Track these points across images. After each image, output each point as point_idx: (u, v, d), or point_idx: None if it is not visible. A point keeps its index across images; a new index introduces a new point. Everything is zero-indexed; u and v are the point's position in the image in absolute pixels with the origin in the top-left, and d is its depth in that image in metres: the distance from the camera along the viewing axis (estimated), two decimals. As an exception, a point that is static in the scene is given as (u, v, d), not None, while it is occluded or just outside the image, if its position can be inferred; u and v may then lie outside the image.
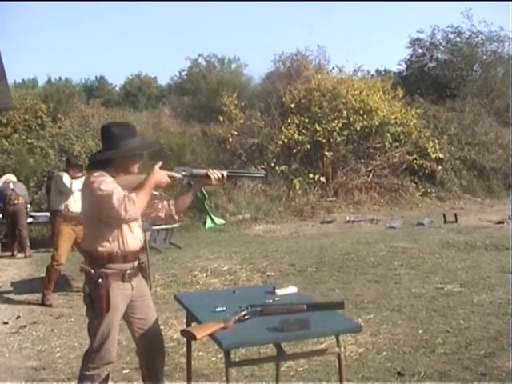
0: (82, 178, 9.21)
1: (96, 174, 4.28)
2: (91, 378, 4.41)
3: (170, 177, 4.42)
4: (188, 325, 4.55)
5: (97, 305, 4.32)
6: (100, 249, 4.33)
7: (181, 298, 4.94)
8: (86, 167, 4.66)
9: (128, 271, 4.44)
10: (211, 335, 3.88)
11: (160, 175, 4.36)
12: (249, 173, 4.71)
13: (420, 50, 29.55)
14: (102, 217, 4.28)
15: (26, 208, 14.49)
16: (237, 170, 4.17)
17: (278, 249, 13.46)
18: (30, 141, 19.95)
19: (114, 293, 4.34)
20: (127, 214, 4.12)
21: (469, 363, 5.91)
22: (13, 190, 14.03)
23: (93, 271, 4.33)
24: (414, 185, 22.04)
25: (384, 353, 6.38)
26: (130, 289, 4.48)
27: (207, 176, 4.52)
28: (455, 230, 15.46)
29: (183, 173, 4.52)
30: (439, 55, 29.18)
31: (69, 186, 9.17)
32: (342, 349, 4.27)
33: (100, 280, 4.30)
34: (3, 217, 14.38)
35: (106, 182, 4.21)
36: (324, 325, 4.05)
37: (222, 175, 4.53)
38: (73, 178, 9.27)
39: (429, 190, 21.97)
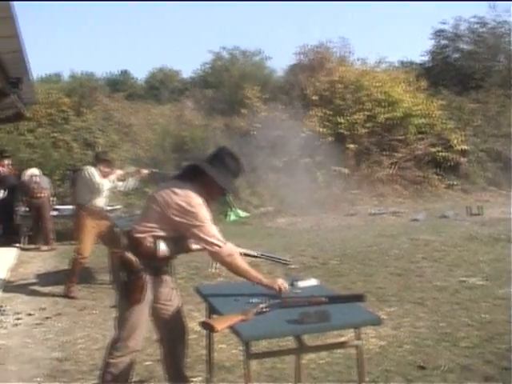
0: (112, 177, 9.38)
1: (196, 198, 4.40)
2: (116, 365, 4.48)
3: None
4: (208, 317, 4.57)
5: (132, 295, 4.41)
6: (151, 244, 4.43)
7: (202, 290, 4.96)
8: (182, 169, 4.76)
9: (164, 268, 4.63)
10: (231, 327, 3.89)
11: (275, 285, 4.47)
12: (277, 258, 4.78)
13: (444, 41, 29.31)
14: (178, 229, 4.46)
15: (51, 201, 14.59)
16: (265, 253, 4.28)
17: (300, 241, 13.46)
18: (54, 135, 20.07)
19: (149, 286, 4.45)
20: (216, 253, 4.38)
21: (491, 357, 5.89)
22: (37, 183, 14.12)
23: (137, 261, 4.40)
24: (438, 177, 21.86)
25: (406, 346, 6.37)
26: (161, 282, 4.62)
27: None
28: (479, 222, 15.37)
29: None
30: (463, 46, 28.89)
31: (100, 185, 9.25)
32: (364, 342, 4.27)
33: (142, 272, 4.39)
34: (28, 210, 14.49)
35: (205, 214, 4.41)
36: (344, 317, 4.04)
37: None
38: (102, 173, 9.34)
39: (453, 183, 21.78)
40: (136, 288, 4.38)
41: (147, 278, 4.42)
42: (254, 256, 4.72)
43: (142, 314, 4.47)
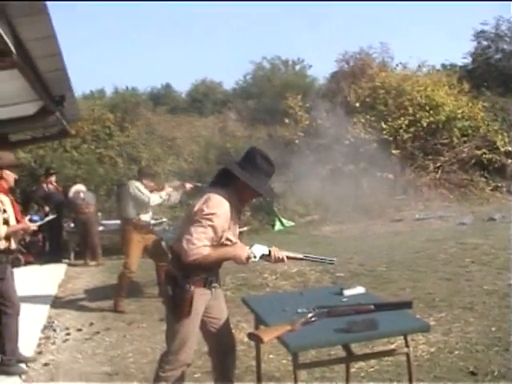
0: (163, 193, 9.45)
1: (221, 205, 4.38)
2: (167, 378, 4.52)
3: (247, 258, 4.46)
4: (256, 328, 4.59)
5: (179, 309, 4.41)
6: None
7: (249, 301, 4.97)
8: (215, 174, 4.75)
9: (210, 278, 4.55)
10: (279, 338, 3.89)
11: (242, 253, 4.44)
12: (320, 258, 4.74)
13: (485, 43, 29.10)
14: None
15: (97, 216, 14.74)
16: (309, 255, 4.23)
17: (347, 249, 13.40)
18: (98, 150, 20.31)
19: (197, 298, 4.43)
20: (186, 253, 4.28)
21: (543, 360, 5.81)
22: (83, 199, 14.26)
23: (181, 275, 4.41)
24: (484, 179, 21.62)
25: (456, 352, 6.31)
26: (210, 294, 4.59)
27: (269, 254, 4.54)
28: (527, 224, 15.17)
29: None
30: (505, 46, 28.64)
31: (148, 199, 9.31)
32: (413, 348, 4.24)
33: (187, 285, 4.38)
34: (75, 226, 14.65)
35: (215, 221, 4.32)
36: (392, 325, 4.03)
37: (283, 258, 4.54)
38: (147, 187, 9.41)
39: (499, 185, 21.51)
40: (183, 302, 4.38)
41: (195, 291, 4.41)
42: (299, 258, 4.69)
43: (191, 328, 4.48)
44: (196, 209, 4.38)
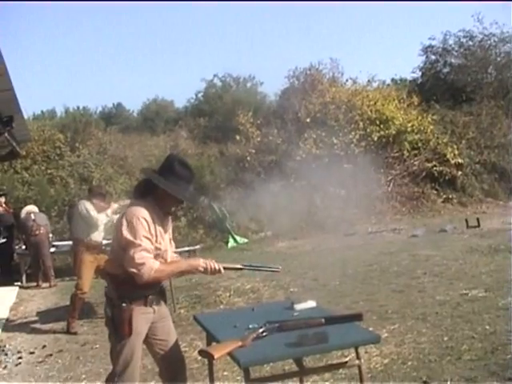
0: (108, 211, 9.38)
1: (137, 213, 4.31)
2: (115, 401, 4.43)
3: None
4: (208, 345, 4.56)
5: (120, 329, 4.33)
6: (124, 273, 4.31)
7: (200, 318, 4.95)
8: (135, 186, 4.69)
9: (150, 295, 4.46)
10: (230, 354, 3.88)
11: (194, 262, 4.47)
12: (265, 267, 4.76)
13: (433, 57, 29.62)
14: None
15: (49, 238, 14.58)
16: (252, 264, 4.22)
17: (300, 264, 13.43)
18: (49, 171, 20.16)
19: (137, 317, 4.35)
20: (138, 275, 4.21)
21: (496, 368, 5.85)
22: (34, 220, 14.10)
23: (116, 295, 4.35)
24: (435, 192, 21.93)
25: (409, 362, 6.33)
26: (152, 312, 4.49)
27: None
28: (478, 234, 15.39)
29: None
30: (453, 60, 29.19)
31: (96, 219, 9.24)
32: (367, 360, 4.26)
33: (123, 304, 4.31)
34: (26, 248, 14.49)
35: (140, 232, 4.25)
36: (342, 337, 4.04)
37: (219, 269, 4.52)
38: (97, 207, 9.35)
39: (450, 196, 21.83)
40: (121, 322, 4.32)
41: (134, 309, 4.34)
42: (238, 268, 4.69)
43: (133, 348, 4.40)
44: (119, 227, 4.34)
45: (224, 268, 4.52)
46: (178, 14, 71.24)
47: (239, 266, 4.66)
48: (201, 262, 4.41)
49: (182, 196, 4.48)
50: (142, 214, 4.28)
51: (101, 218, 9.26)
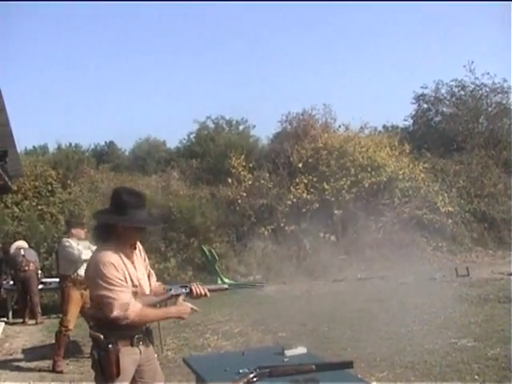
0: (92, 245, 9.33)
1: (103, 259, 4.29)
2: None
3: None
4: (197, 388, 4.53)
5: (107, 370, 4.27)
6: (106, 317, 4.27)
7: (190, 361, 4.93)
8: (93, 234, 4.68)
9: (136, 336, 4.42)
10: (220, 398, 3.86)
11: (184, 309, 4.48)
12: (249, 284, 4.82)
13: (425, 105, 29.84)
14: None
15: (37, 274, 14.49)
16: (236, 282, 4.34)
17: (289, 309, 13.38)
18: (40, 207, 20.04)
19: (124, 358, 4.31)
20: (121, 318, 4.22)
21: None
22: (23, 256, 14.06)
23: (102, 337, 4.31)
24: (425, 239, 21.88)
25: (398, 411, 6.31)
26: (139, 353, 4.46)
27: (190, 291, 4.56)
28: (467, 283, 15.39)
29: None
30: (444, 109, 29.45)
31: (78, 256, 9.21)
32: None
33: (110, 345, 4.26)
34: (14, 283, 14.41)
35: (112, 275, 4.25)
36: (333, 385, 4.03)
37: (205, 293, 4.56)
38: (77, 237, 9.35)
39: (440, 244, 21.78)
40: (109, 363, 4.26)
41: (120, 350, 4.30)
42: (224, 289, 4.70)
43: None
44: (91, 279, 4.36)
45: (209, 290, 4.55)
46: (172, 55, 71.49)
47: (225, 287, 4.68)
48: (189, 309, 4.43)
49: (138, 223, 4.47)
50: (108, 258, 4.28)
51: (84, 252, 9.17)
